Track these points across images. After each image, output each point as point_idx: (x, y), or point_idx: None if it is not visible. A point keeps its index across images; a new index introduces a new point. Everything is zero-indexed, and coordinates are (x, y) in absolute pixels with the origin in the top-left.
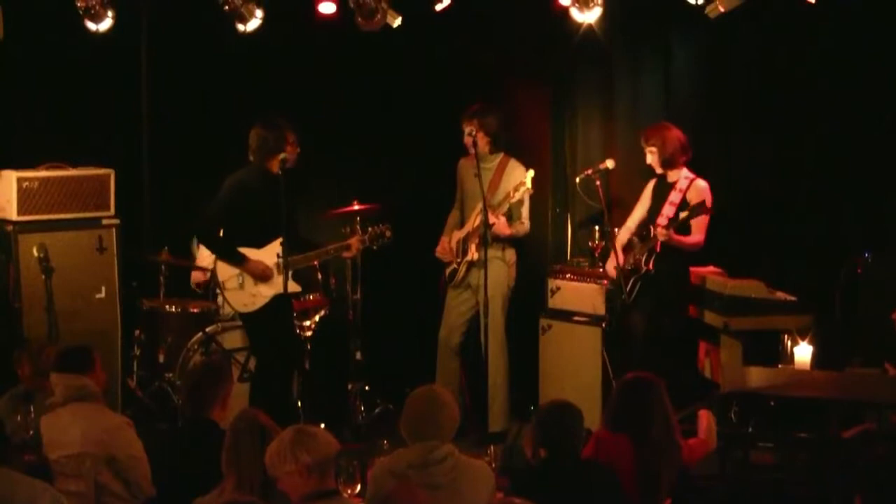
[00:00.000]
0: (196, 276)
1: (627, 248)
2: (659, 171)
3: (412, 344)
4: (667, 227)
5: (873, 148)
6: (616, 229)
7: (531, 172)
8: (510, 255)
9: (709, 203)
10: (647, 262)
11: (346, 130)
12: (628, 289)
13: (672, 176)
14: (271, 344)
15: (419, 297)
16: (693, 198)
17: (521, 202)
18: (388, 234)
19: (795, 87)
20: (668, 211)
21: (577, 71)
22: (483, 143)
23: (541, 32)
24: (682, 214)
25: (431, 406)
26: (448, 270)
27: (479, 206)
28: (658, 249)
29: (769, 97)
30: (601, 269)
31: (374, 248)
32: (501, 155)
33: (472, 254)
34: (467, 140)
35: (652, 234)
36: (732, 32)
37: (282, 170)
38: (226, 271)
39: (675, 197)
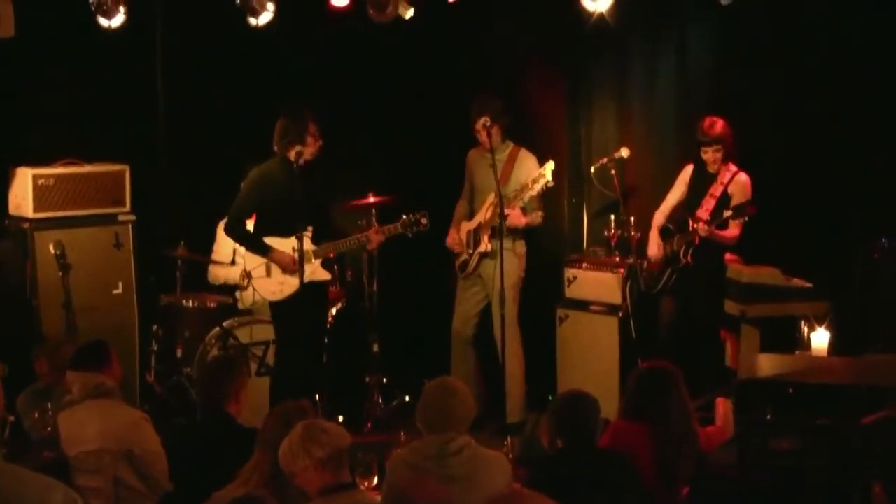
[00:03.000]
0: (217, 273)
1: (663, 234)
2: (715, 168)
3: (429, 335)
4: (709, 224)
5: (890, 132)
6: (632, 218)
7: (551, 164)
8: (520, 246)
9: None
10: (685, 255)
11: (360, 122)
12: (665, 278)
13: (713, 166)
14: (297, 334)
15: (435, 289)
16: (735, 192)
17: (538, 194)
18: (423, 221)
19: (811, 73)
20: (707, 203)
21: (592, 60)
22: (496, 134)
23: (555, 22)
24: (727, 213)
25: (446, 397)
26: (459, 261)
27: (492, 196)
28: (697, 242)
29: (784, 83)
30: (617, 259)
31: (410, 235)
32: (511, 145)
33: (486, 245)
34: (481, 132)
35: (691, 227)
36: (746, 19)
37: (296, 162)
38: (252, 261)
39: (716, 189)
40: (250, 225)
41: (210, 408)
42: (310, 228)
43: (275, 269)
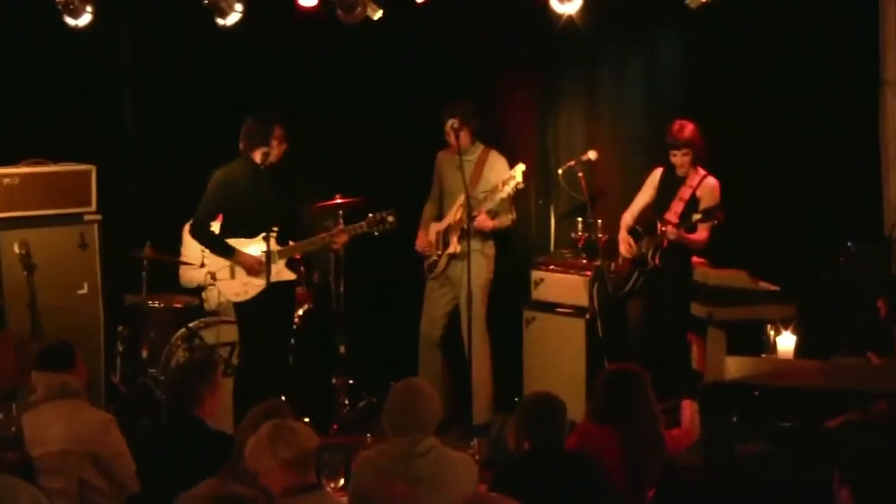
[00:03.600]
0: (191, 276)
1: (631, 235)
2: (684, 172)
3: (396, 337)
4: (677, 227)
5: (857, 137)
6: (599, 221)
7: (522, 167)
8: (489, 247)
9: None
10: (653, 258)
11: (329, 123)
12: (632, 281)
13: (682, 170)
14: (261, 335)
15: (403, 290)
16: (703, 196)
17: (509, 196)
18: (390, 219)
19: (779, 79)
20: (676, 207)
21: (561, 63)
22: (465, 136)
23: (524, 24)
24: (696, 216)
25: (413, 399)
26: (428, 262)
27: (461, 198)
28: (665, 245)
29: (752, 88)
30: (584, 261)
31: (376, 233)
32: (481, 147)
33: (455, 246)
34: (450, 134)
35: (660, 230)
36: (714, 22)
37: (263, 164)
38: (216, 262)
39: (684, 193)
40: (217, 227)
41: (179, 410)
42: (275, 229)
43: (239, 271)
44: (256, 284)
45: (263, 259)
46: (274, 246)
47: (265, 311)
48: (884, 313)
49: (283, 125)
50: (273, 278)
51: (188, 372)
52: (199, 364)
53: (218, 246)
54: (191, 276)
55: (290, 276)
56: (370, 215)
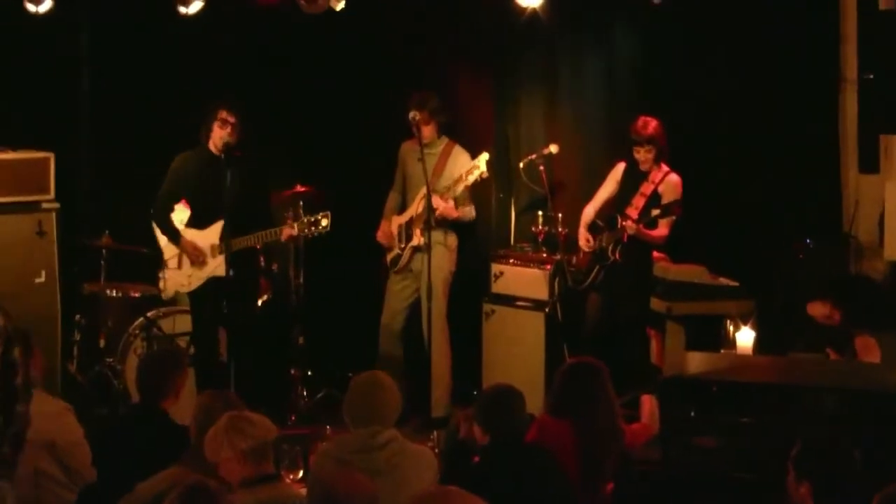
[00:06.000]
0: None
1: (592, 230)
2: (647, 168)
3: (355, 329)
4: (637, 222)
5: (817, 134)
6: (559, 214)
7: (486, 156)
8: (452, 240)
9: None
10: (613, 252)
11: (288, 114)
12: (592, 275)
13: (645, 165)
14: (204, 328)
15: (362, 282)
16: (665, 192)
17: (467, 187)
18: (324, 222)
19: (737, 74)
20: (637, 202)
21: (521, 56)
22: (428, 129)
23: (485, 16)
24: (655, 212)
25: (374, 391)
26: (390, 256)
27: (423, 190)
28: (625, 240)
29: (711, 84)
30: (544, 255)
31: (308, 236)
32: (446, 140)
33: (418, 238)
34: (414, 126)
35: (620, 225)
36: (675, 18)
37: (223, 151)
38: (169, 251)
39: (646, 188)
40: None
41: (146, 401)
42: (220, 221)
43: (185, 261)
44: (199, 276)
45: (203, 248)
46: (214, 238)
47: (205, 304)
48: (822, 312)
49: (227, 108)
50: (211, 272)
51: (158, 362)
52: (171, 354)
53: (167, 231)
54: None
55: (220, 272)
56: (304, 218)
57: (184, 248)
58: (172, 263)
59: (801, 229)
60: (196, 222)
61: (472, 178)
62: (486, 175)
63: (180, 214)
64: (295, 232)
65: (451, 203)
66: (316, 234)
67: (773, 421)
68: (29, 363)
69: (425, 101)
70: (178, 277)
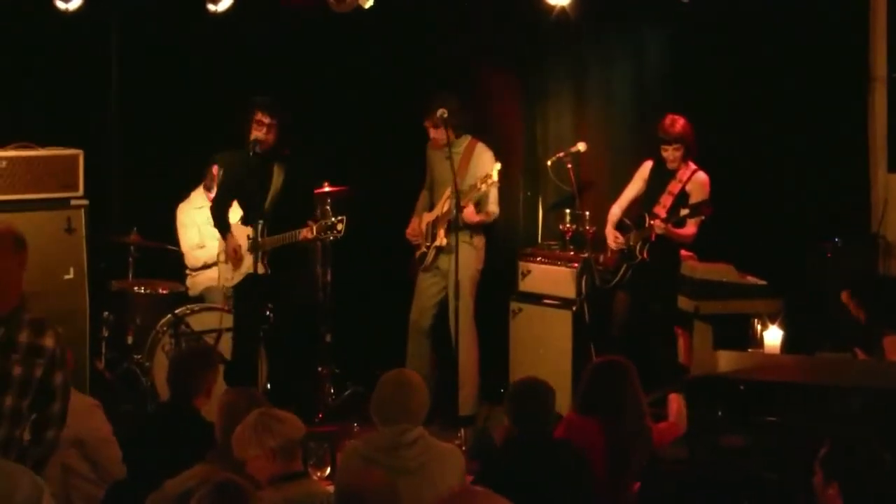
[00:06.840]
0: (197, 256)
1: (619, 229)
2: (674, 166)
3: (382, 326)
4: (665, 221)
5: (846, 134)
6: (587, 213)
7: (498, 165)
8: (479, 239)
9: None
10: (641, 251)
11: (318, 112)
12: (620, 273)
13: (673, 164)
14: (242, 322)
15: (390, 280)
16: (693, 190)
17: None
18: (339, 227)
19: (768, 73)
20: (665, 200)
21: (549, 54)
22: (447, 134)
23: (513, 15)
24: (684, 211)
25: (402, 389)
26: (418, 253)
27: (449, 190)
28: (653, 239)
29: (740, 82)
30: (571, 253)
31: (325, 240)
32: (469, 138)
33: (441, 239)
34: (429, 129)
35: (648, 224)
36: (704, 17)
37: (253, 151)
38: (221, 244)
39: (674, 187)
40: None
41: (177, 399)
42: (260, 221)
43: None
44: (241, 272)
45: (239, 247)
46: (242, 238)
47: (241, 300)
48: (852, 309)
49: (262, 109)
50: (246, 270)
51: (189, 360)
52: (201, 352)
53: (218, 225)
54: (196, 255)
55: (249, 269)
56: (321, 221)
57: (226, 244)
58: (223, 257)
59: (829, 228)
60: (244, 220)
61: (485, 188)
62: (497, 184)
63: (238, 212)
64: (312, 235)
65: (471, 208)
66: (331, 238)
67: (800, 421)
68: (69, 391)
69: (434, 111)
70: (225, 271)
